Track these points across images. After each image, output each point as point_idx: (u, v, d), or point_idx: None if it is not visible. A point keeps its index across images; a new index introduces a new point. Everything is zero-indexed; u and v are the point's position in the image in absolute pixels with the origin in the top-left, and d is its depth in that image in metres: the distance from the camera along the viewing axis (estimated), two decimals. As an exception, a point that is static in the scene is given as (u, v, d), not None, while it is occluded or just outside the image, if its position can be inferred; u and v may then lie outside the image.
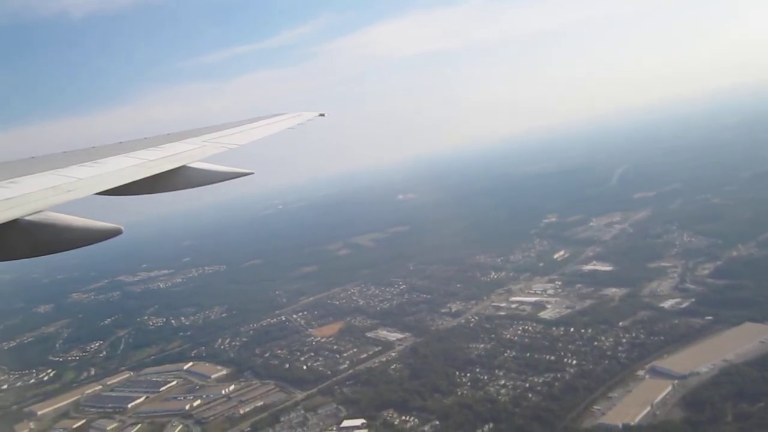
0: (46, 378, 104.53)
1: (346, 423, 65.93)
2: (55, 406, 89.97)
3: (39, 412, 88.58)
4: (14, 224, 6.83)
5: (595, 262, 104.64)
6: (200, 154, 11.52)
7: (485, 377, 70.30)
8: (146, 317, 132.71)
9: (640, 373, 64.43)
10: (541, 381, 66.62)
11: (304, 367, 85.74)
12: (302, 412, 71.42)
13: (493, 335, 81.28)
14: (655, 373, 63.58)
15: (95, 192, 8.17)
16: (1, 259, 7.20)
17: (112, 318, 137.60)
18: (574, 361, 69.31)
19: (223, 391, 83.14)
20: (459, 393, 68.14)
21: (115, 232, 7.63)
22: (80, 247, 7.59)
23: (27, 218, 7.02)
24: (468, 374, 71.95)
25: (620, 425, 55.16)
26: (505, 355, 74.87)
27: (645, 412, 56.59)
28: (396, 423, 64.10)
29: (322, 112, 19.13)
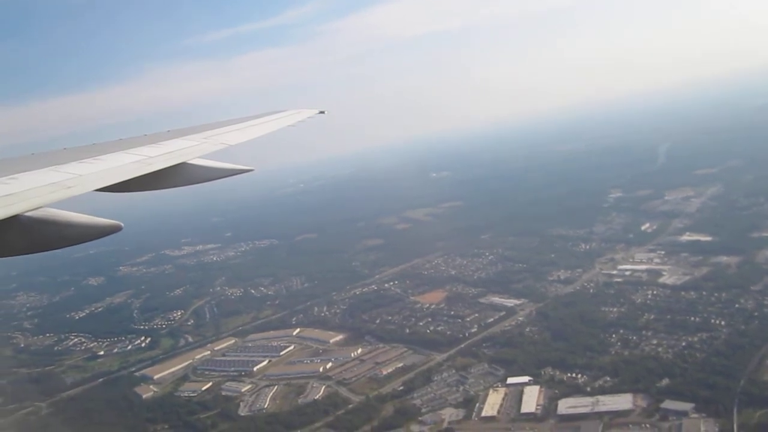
0: (143, 345, 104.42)
1: (511, 380, 67.09)
2: (170, 371, 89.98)
3: (155, 376, 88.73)
4: (14, 220, 6.88)
5: (689, 233, 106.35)
6: (200, 151, 11.73)
7: (634, 338, 71.68)
8: (218, 288, 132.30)
9: (799, 331, 66.32)
10: (696, 339, 68.21)
11: (428, 331, 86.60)
12: (453, 371, 72.44)
13: (621, 299, 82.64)
14: (817, 331, 65.54)
15: (95, 188, 8.28)
16: (1, 255, 7.24)
17: (181, 289, 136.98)
18: (723, 322, 70.88)
19: (352, 354, 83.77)
20: (613, 352, 69.60)
21: (114, 229, 7.76)
22: (80, 243, 7.71)
23: (27, 214, 7.09)
24: (613, 335, 73.36)
25: (809, 378, 56.96)
26: (645, 317, 76.31)
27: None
28: (564, 379, 65.40)
29: (321, 110, 19.49)
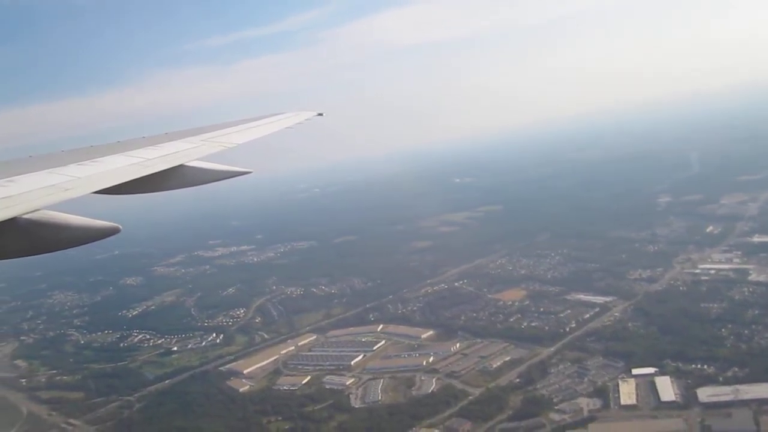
0: (217, 341, 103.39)
1: (636, 371, 67.71)
2: (258, 365, 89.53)
3: (245, 371, 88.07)
4: (12, 223, 6.93)
5: (758, 235, 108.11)
6: (198, 153, 11.80)
7: (745, 331, 72.67)
8: (274, 287, 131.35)
9: None
10: (813, 333, 69.65)
11: (522, 326, 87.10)
12: (569, 364, 72.93)
13: (719, 296, 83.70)
14: None
15: (93, 191, 8.32)
16: None
17: (234, 288, 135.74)
18: (834, 317, 72.49)
19: (451, 349, 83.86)
20: (729, 345, 70.57)
21: (112, 231, 7.77)
22: (78, 245, 7.77)
23: (25, 217, 7.13)
24: (722, 329, 74.39)
25: None
26: (749, 312, 77.48)
27: None
28: (690, 370, 66.15)
29: (320, 112, 19.86)
